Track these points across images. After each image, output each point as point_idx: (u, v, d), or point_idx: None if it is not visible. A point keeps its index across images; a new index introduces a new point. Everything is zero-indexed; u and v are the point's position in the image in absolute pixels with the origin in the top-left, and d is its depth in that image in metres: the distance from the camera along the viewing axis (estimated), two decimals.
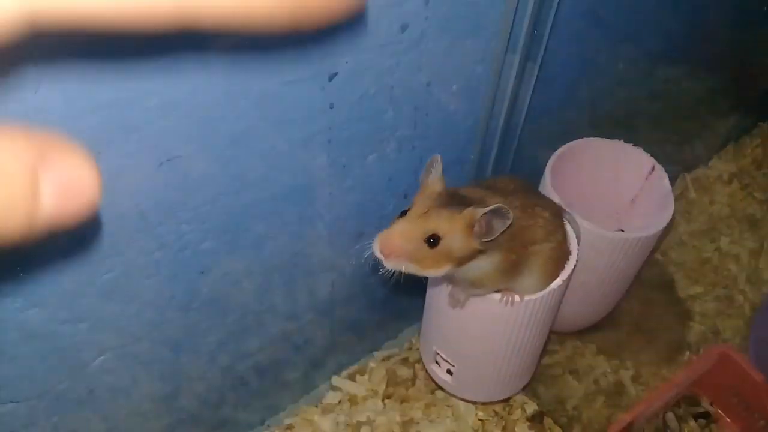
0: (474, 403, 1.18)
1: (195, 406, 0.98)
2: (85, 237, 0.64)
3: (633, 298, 1.29)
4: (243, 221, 0.78)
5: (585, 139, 1.07)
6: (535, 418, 1.18)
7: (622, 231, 1.12)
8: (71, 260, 0.65)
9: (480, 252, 0.74)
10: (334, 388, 1.20)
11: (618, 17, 1.02)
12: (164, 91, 0.59)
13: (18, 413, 0.75)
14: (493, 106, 0.93)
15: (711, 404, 1.20)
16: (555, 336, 1.27)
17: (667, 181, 1.05)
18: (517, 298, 0.83)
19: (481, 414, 1.18)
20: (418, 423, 1.16)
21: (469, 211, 0.70)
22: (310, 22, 0.26)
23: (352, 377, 1.21)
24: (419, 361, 1.22)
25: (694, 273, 1.41)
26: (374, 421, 1.15)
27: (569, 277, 0.87)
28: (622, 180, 1.11)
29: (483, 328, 0.89)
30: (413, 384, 1.21)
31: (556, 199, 0.95)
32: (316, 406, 1.18)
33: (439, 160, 0.74)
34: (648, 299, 1.35)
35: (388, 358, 1.24)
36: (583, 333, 1.26)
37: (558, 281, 0.85)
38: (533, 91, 0.94)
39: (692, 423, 1.18)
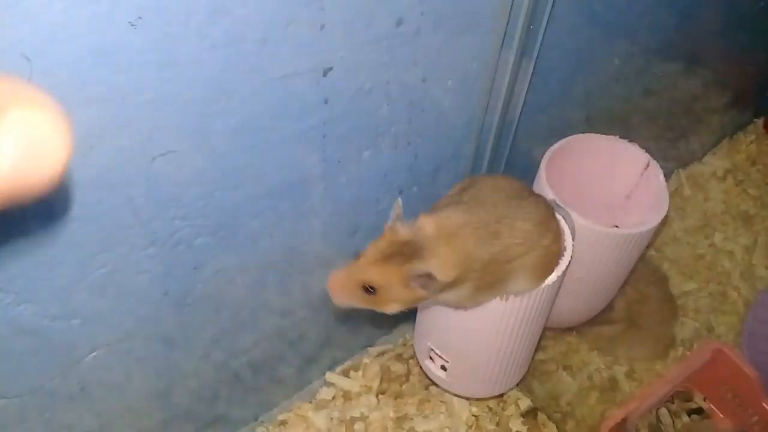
0: (468, 398, 1.18)
1: (188, 402, 0.97)
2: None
3: (627, 294, 1.29)
4: (237, 217, 0.77)
5: (580, 134, 1.07)
6: (529, 414, 1.18)
7: (617, 227, 1.12)
8: (63, 255, 0.65)
9: (443, 289, 0.75)
10: (327, 384, 1.19)
11: (613, 14, 1.02)
12: (158, 86, 0.58)
13: (10, 409, 0.75)
14: (489, 102, 0.93)
15: (704, 400, 1.21)
16: (549, 332, 1.27)
17: (662, 177, 1.05)
18: (511, 294, 0.83)
19: (475, 409, 1.18)
20: (412, 419, 1.16)
21: (400, 272, 0.73)
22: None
23: (345, 373, 1.21)
24: (413, 356, 1.22)
25: (688, 269, 1.42)
26: (368, 416, 1.15)
27: (564, 273, 0.87)
28: (618, 176, 1.11)
29: (477, 324, 0.89)
30: (407, 380, 1.21)
31: (550, 195, 0.95)
32: (310, 402, 1.18)
33: (399, 205, 0.75)
34: (642, 295, 1.35)
35: (382, 353, 1.24)
36: (577, 329, 1.26)
37: (552, 277, 0.85)
38: (529, 87, 0.93)
39: (686, 418, 1.18)
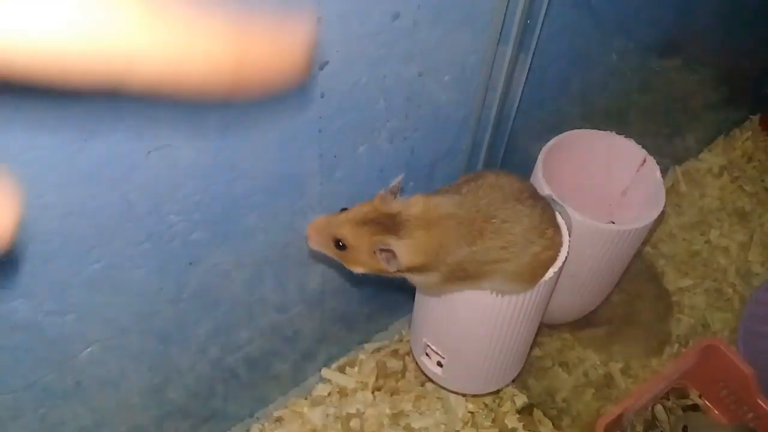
0: (464, 395, 1.18)
1: (184, 398, 0.97)
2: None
3: (623, 291, 1.30)
4: (233, 212, 0.77)
5: (577, 130, 1.07)
6: (525, 411, 1.18)
7: (613, 223, 1.12)
8: (57, 250, 0.64)
9: (407, 270, 0.77)
10: (323, 380, 1.19)
11: (610, 9, 1.02)
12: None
13: (5, 405, 0.75)
14: (486, 97, 0.92)
15: (700, 396, 1.21)
16: (545, 328, 1.27)
17: (658, 173, 1.05)
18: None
19: (471, 406, 1.18)
20: (407, 415, 1.16)
21: (371, 240, 0.74)
22: (250, 90, 0.24)
23: (341, 369, 1.21)
24: (409, 353, 1.22)
25: (684, 266, 1.42)
26: (364, 413, 1.15)
27: (560, 270, 0.86)
28: (614, 172, 1.11)
29: (473, 320, 0.89)
30: (403, 376, 1.21)
31: (547, 190, 0.95)
32: (306, 398, 1.17)
33: (399, 180, 0.77)
34: (638, 292, 1.36)
35: (378, 350, 1.24)
36: (573, 325, 1.26)
37: (549, 274, 0.85)
38: (525, 82, 0.93)
39: (681, 415, 1.18)
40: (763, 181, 1.60)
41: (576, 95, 1.13)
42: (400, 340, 1.26)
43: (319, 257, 0.94)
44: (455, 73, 0.85)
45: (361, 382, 1.20)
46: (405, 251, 0.74)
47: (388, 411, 1.16)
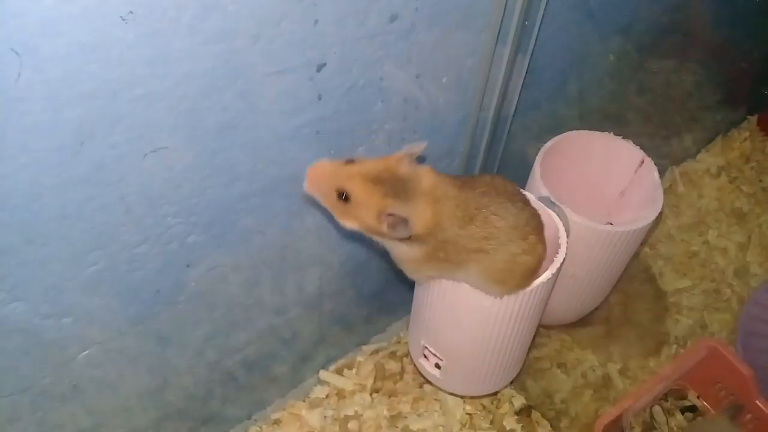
0: (462, 396, 1.18)
1: (182, 401, 0.97)
2: None
3: (621, 292, 1.30)
4: (230, 214, 0.77)
5: (575, 131, 1.07)
6: (523, 412, 1.18)
7: (611, 224, 1.12)
8: (54, 253, 0.64)
9: (403, 239, 0.75)
10: (321, 383, 1.19)
11: (608, 10, 1.02)
12: (149, 82, 0.58)
13: (2, 408, 0.74)
14: (483, 99, 0.92)
15: (698, 398, 1.21)
16: (543, 329, 1.27)
17: (656, 174, 1.05)
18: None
19: (469, 408, 1.18)
20: (406, 417, 1.16)
21: (381, 202, 0.72)
22: None
23: (339, 371, 1.21)
24: (407, 355, 1.22)
25: (682, 266, 1.42)
26: (362, 415, 1.15)
27: (558, 271, 0.86)
28: (612, 173, 1.11)
29: (471, 322, 0.89)
30: (401, 378, 1.21)
31: (545, 191, 0.95)
32: (304, 401, 1.17)
33: (422, 147, 0.74)
34: (636, 293, 1.36)
35: (376, 352, 1.24)
36: (571, 326, 1.26)
37: (547, 275, 0.85)
38: (523, 84, 0.93)
39: (679, 416, 1.19)
40: (761, 181, 1.60)
41: (574, 96, 1.13)
42: (398, 342, 1.26)
43: (316, 259, 0.94)
44: (453, 74, 0.85)
45: (359, 384, 1.19)
46: (419, 220, 0.73)
47: (386, 413, 1.16)
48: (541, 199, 0.94)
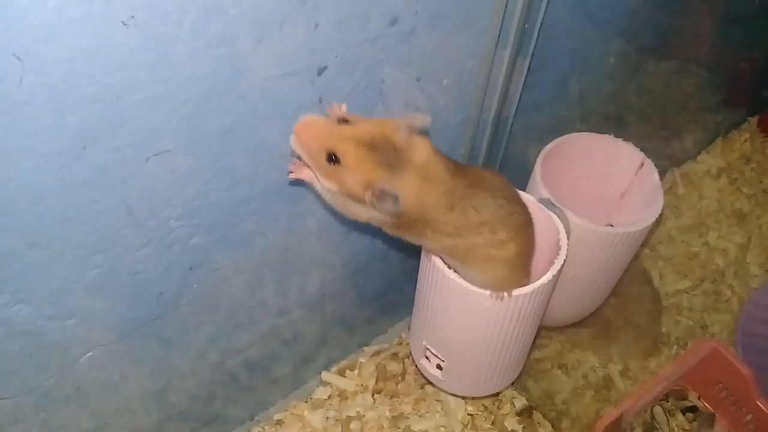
0: (463, 397, 1.18)
1: (185, 402, 0.97)
2: None
3: (621, 293, 1.30)
4: (233, 217, 0.77)
5: (575, 133, 1.07)
6: (524, 413, 1.18)
7: (612, 226, 1.12)
8: (58, 256, 0.65)
9: (363, 201, 0.70)
10: (323, 383, 1.20)
11: (608, 12, 1.02)
12: (151, 86, 0.58)
13: (5, 410, 0.75)
14: (484, 101, 0.93)
15: (699, 398, 1.21)
16: (544, 330, 1.27)
17: (656, 175, 1.05)
18: (506, 294, 0.83)
19: (470, 408, 1.18)
20: (407, 418, 1.16)
21: (372, 173, 0.68)
22: None
23: (341, 372, 1.21)
24: (409, 356, 1.22)
25: (683, 267, 1.42)
26: (364, 416, 1.15)
27: (559, 272, 0.87)
28: (612, 174, 1.11)
29: (473, 323, 0.89)
30: (403, 379, 1.21)
31: (545, 193, 0.95)
32: (306, 402, 1.18)
33: (425, 120, 0.70)
34: (636, 294, 1.36)
35: (378, 353, 1.24)
36: (572, 327, 1.26)
37: (548, 276, 0.85)
38: (523, 86, 0.94)
39: (680, 417, 1.19)
40: (761, 182, 1.60)
41: (574, 98, 1.13)
42: (400, 343, 1.27)
43: (318, 261, 0.95)
44: (453, 77, 0.86)
45: (361, 385, 1.20)
46: (407, 198, 0.69)
47: (387, 414, 1.16)
48: (542, 200, 0.94)
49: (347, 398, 1.18)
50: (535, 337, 1.05)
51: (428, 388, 1.20)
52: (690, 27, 1.24)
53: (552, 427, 1.17)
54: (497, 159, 1.03)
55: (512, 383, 1.14)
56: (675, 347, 1.29)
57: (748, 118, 1.72)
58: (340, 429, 1.14)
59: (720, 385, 1.17)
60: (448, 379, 1.03)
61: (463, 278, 0.84)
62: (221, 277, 0.83)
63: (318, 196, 0.84)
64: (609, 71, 1.14)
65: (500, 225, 0.77)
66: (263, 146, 0.72)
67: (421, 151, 0.70)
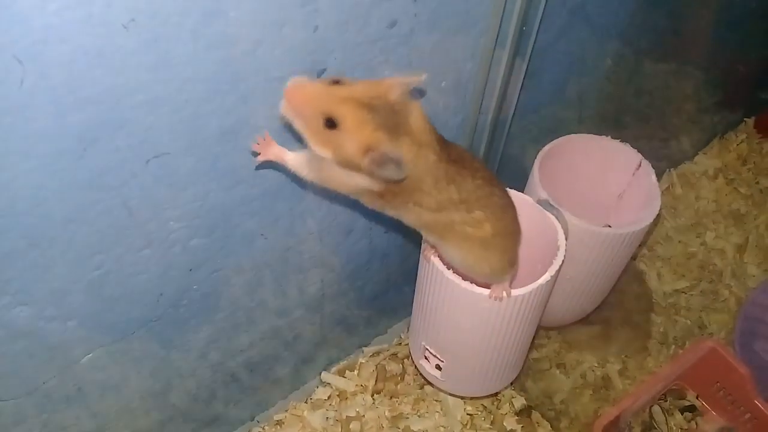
0: (463, 397, 1.18)
1: (185, 403, 0.97)
2: None
3: (619, 293, 1.30)
4: (233, 218, 0.78)
5: (573, 135, 1.08)
6: (523, 412, 1.19)
7: (610, 226, 1.12)
8: (58, 257, 0.65)
9: (358, 168, 0.66)
10: (323, 384, 1.20)
11: (606, 14, 1.03)
12: (152, 87, 0.58)
13: (6, 411, 0.75)
14: (482, 102, 0.93)
15: (697, 397, 1.22)
16: (542, 330, 1.27)
17: (654, 176, 1.05)
18: (505, 294, 0.84)
19: (469, 408, 1.18)
20: (407, 418, 1.17)
21: (372, 135, 0.63)
22: None
23: (341, 373, 1.21)
24: (408, 356, 1.23)
25: (680, 267, 1.42)
26: (363, 416, 1.16)
27: (557, 273, 0.87)
28: (610, 175, 1.12)
29: (471, 324, 0.90)
30: (402, 379, 1.22)
31: (543, 194, 0.95)
32: (306, 402, 1.18)
33: (420, 80, 0.66)
34: (634, 294, 1.36)
35: (378, 353, 1.25)
36: (570, 327, 1.26)
37: (546, 277, 0.85)
38: (522, 87, 0.94)
39: (678, 416, 1.19)
40: (757, 183, 1.61)
41: (572, 100, 1.14)
42: (399, 344, 1.27)
43: (318, 261, 0.95)
44: (452, 78, 0.86)
45: (361, 385, 1.20)
46: (409, 162, 0.65)
47: (387, 414, 1.17)
48: (540, 201, 0.95)
49: (347, 398, 1.18)
50: (534, 337, 1.06)
51: (427, 388, 1.20)
52: (687, 29, 1.25)
53: (551, 426, 1.18)
54: (496, 160, 1.04)
55: (511, 383, 1.15)
56: (673, 347, 1.29)
57: (745, 119, 1.73)
58: (339, 429, 1.14)
59: (718, 384, 1.17)
60: (447, 380, 1.04)
61: (443, 257, 0.84)
62: (221, 277, 0.84)
63: (317, 202, 0.85)
64: (607, 73, 1.15)
65: (477, 205, 0.75)
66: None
67: (415, 114, 0.67)
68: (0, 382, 0.72)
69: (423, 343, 1.01)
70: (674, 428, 1.18)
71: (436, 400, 1.19)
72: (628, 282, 1.35)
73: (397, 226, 1.02)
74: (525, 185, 1.03)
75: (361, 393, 1.19)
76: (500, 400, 1.20)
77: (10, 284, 0.63)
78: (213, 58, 0.60)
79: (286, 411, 1.16)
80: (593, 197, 1.14)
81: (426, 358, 1.03)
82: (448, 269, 0.85)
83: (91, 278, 0.69)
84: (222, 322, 0.90)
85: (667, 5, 1.14)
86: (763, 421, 1.12)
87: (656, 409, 1.19)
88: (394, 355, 1.25)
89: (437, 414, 1.18)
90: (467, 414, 1.18)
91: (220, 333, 0.91)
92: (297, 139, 0.69)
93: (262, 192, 0.78)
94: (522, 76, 0.92)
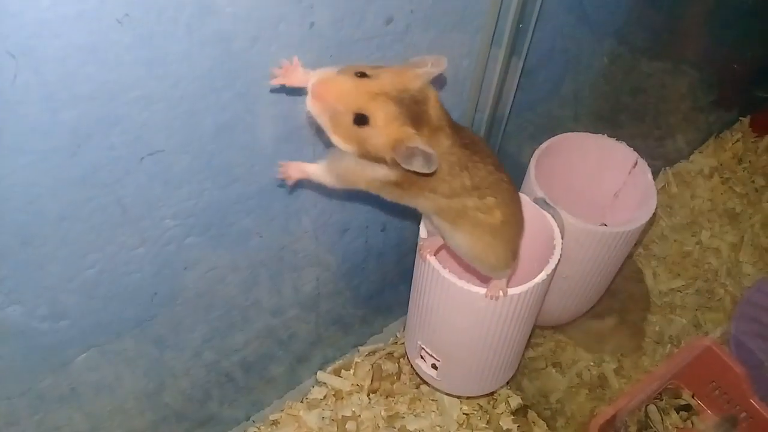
0: (459, 397, 1.18)
1: (180, 403, 0.97)
2: None
3: (615, 292, 1.30)
4: (228, 216, 0.77)
5: (569, 133, 1.07)
6: (519, 412, 1.19)
7: (606, 225, 1.13)
8: (51, 255, 0.64)
9: (383, 160, 0.66)
10: (319, 384, 1.19)
11: (602, 13, 1.03)
12: (146, 84, 0.58)
13: (0, 411, 0.75)
14: (478, 100, 0.93)
15: (693, 396, 1.22)
16: (538, 329, 1.27)
17: (650, 175, 1.05)
18: (501, 293, 0.83)
19: (465, 408, 1.18)
20: (403, 417, 1.16)
21: (402, 130, 0.63)
22: None
23: (337, 372, 1.21)
24: (404, 355, 1.22)
25: (676, 266, 1.43)
26: (359, 415, 1.15)
27: (553, 272, 0.87)
28: (606, 174, 1.12)
29: (468, 323, 0.90)
30: (398, 378, 1.21)
31: (539, 193, 0.95)
32: (302, 402, 1.17)
33: (443, 66, 0.65)
34: (630, 293, 1.36)
35: (373, 352, 1.24)
36: (566, 326, 1.26)
37: (542, 276, 0.85)
38: (518, 86, 0.94)
39: (674, 415, 1.19)
40: (753, 182, 1.61)
41: (568, 98, 1.14)
42: (395, 343, 1.27)
43: (313, 260, 0.95)
44: (448, 76, 0.86)
45: (357, 384, 1.20)
46: (435, 157, 0.63)
47: (383, 413, 1.16)
48: (536, 200, 0.95)
49: (343, 398, 1.18)
50: (530, 336, 1.06)
51: (423, 387, 1.20)
52: (683, 27, 1.25)
53: (547, 426, 1.18)
54: None
55: (507, 382, 1.14)
56: (669, 346, 1.29)
57: (741, 118, 1.73)
58: (335, 429, 1.14)
59: (713, 383, 1.17)
60: (443, 379, 1.04)
61: (450, 244, 0.83)
62: (216, 276, 0.83)
63: (313, 201, 0.84)
64: (603, 71, 1.15)
65: (489, 191, 0.75)
66: (259, 145, 0.72)
67: (433, 103, 0.66)
68: None
69: (419, 343, 1.01)
70: (670, 427, 1.18)
71: (432, 400, 1.19)
72: (624, 281, 1.35)
73: (393, 225, 1.02)
74: (521, 184, 1.03)
75: (357, 392, 1.19)
76: (496, 399, 1.20)
77: (3, 283, 0.63)
78: (208, 55, 0.60)
79: (282, 411, 1.16)
80: (589, 196, 1.14)
81: (422, 357, 1.03)
82: (445, 268, 0.85)
83: (84, 277, 0.69)
84: (217, 321, 0.89)
85: (663, 4, 1.15)
86: (759, 420, 1.12)
87: (652, 408, 1.19)
88: (390, 354, 1.24)
89: (433, 413, 1.17)
90: (463, 413, 1.17)
91: (214, 332, 0.91)
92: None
93: (257, 190, 0.77)
94: (518, 74, 0.92)
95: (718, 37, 1.37)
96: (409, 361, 1.13)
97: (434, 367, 1.02)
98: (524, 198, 0.94)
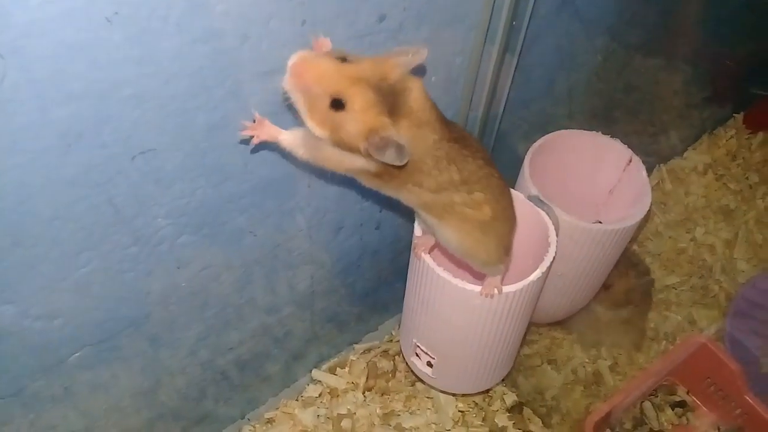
0: (454, 394, 1.18)
1: (175, 401, 0.97)
2: None
3: (610, 289, 1.30)
4: (221, 214, 0.77)
5: (563, 130, 1.07)
6: (515, 409, 1.19)
7: (600, 222, 1.13)
8: (44, 254, 0.64)
9: (356, 150, 0.65)
10: (314, 381, 1.19)
11: (595, 10, 1.03)
12: (137, 82, 0.58)
13: None
14: (472, 98, 0.93)
15: (687, 393, 1.22)
16: (533, 326, 1.27)
17: (644, 172, 1.05)
18: (496, 291, 0.83)
19: (461, 405, 1.18)
20: (398, 415, 1.16)
21: (377, 119, 0.62)
22: None
23: (332, 370, 1.21)
24: (399, 353, 1.22)
25: (670, 263, 1.43)
26: (355, 413, 1.15)
27: (548, 269, 0.87)
28: (600, 171, 1.12)
29: (462, 320, 0.90)
30: (393, 376, 1.21)
31: (534, 190, 0.95)
32: (297, 400, 1.17)
33: (424, 56, 0.64)
34: (624, 290, 1.36)
35: (369, 350, 1.24)
36: (561, 323, 1.27)
37: (537, 273, 0.85)
38: (512, 83, 0.94)
39: (669, 412, 1.20)
40: (747, 178, 1.61)
41: (562, 95, 1.14)
42: (390, 341, 1.27)
43: (307, 258, 0.94)
44: (442, 74, 0.86)
45: (352, 382, 1.20)
46: (410, 149, 0.62)
47: (378, 411, 1.16)
48: (531, 197, 0.95)
49: (338, 396, 1.18)
50: (525, 334, 1.06)
51: (419, 385, 1.20)
52: (676, 24, 1.25)
53: (542, 423, 1.18)
54: None
55: (502, 380, 1.14)
56: (664, 342, 1.29)
57: (734, 115, 1.73)
58: (331, 427, 1.14)
59: (708, 380, 1.17)
60: (438, 377, 1.04)
61: (439, 239, 0.82)
62: (210, 275, 0.83)
63: (307, 199, 0.84)
64: (596, 68, 1.15)
65: (477, 186, 0.74)
66: (251, 142, 0.72)
67: (415, 92, 0.65)
68: None
69: (414, 340, 1.01)
70: (665, 424, 1.18)
71: (428, 397, 1.19)
72: (619, 277, 1.35)
73: (388, 223, 1.02)
74: (515, 181, 1.03)
75: (353, 390, 1.19)
76: (492, 396, 1.20)
77: None
78: (199, 53, 0.60)
79: (277, 409, 1.16)
80: (584, 193, 1.14)
81: (417, 355, 1.03)
82: (439, 266, 0.85)
83: (77, 276, 0.68)
84: (211, 319, 0.89)
85: (657, 1, 1.15)
86: (754, 417, 1.12)
87: (647, 405, 1.19)
88: (386, 352, 1.24)
89: (429, 411, 1.17)
90: (459, 411, 1.18)
91: (209, 330, 0.91)
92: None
93: (250, 188, 0.77)
94: (512, 72, 0.92)
95: (712, 34, 1.37)
96: (405, 359, 1.13)
97: (429, 364, 1.02)
98: (519, 195, 0.94)
